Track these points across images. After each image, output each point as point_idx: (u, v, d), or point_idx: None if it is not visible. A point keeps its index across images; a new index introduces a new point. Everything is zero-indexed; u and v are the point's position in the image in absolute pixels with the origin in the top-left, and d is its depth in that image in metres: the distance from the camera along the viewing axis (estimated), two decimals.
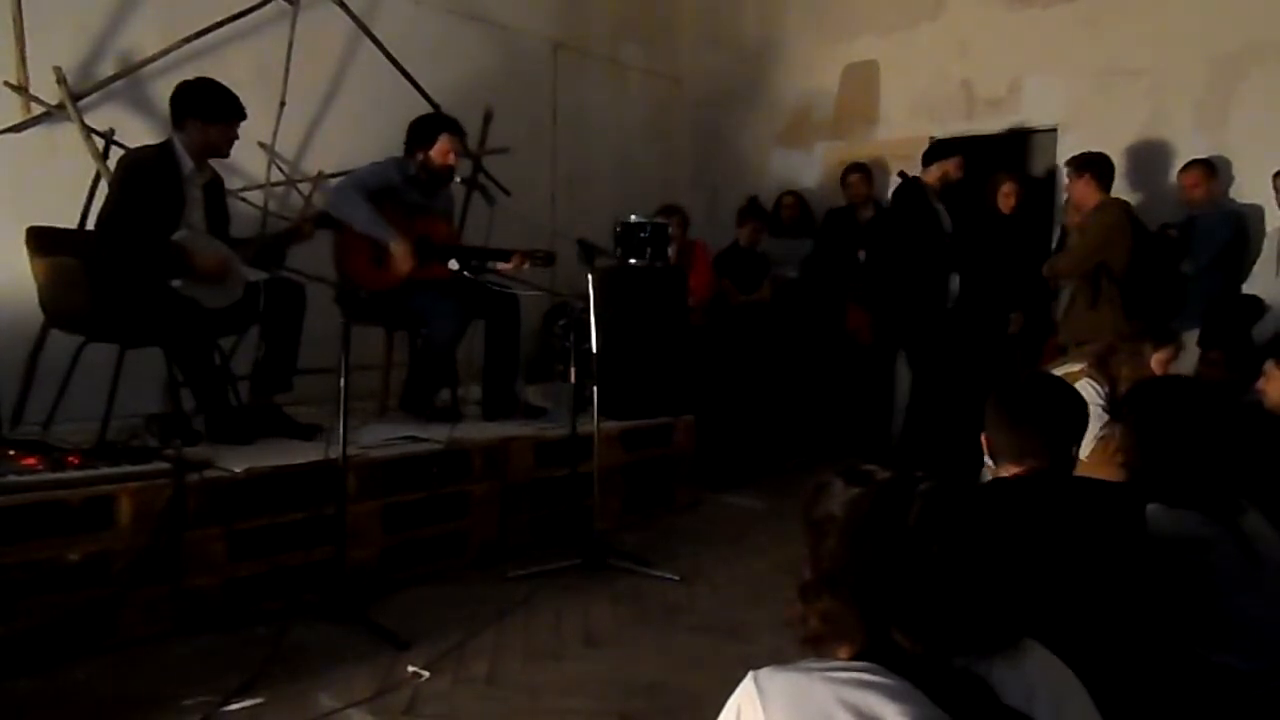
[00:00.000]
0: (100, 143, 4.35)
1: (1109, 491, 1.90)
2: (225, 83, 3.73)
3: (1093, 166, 4.93)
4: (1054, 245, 5.59)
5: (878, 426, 6.02)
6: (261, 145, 4.87)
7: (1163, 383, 2.61)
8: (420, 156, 4.34)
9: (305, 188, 5.18)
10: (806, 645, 1.23)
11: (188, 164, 3.68)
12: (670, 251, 4.91)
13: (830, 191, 6.63)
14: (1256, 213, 5.02)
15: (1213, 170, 5.02)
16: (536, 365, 5.83)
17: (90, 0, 4.46)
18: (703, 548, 4.13)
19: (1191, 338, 4.30)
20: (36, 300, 3.70)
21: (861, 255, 6.04)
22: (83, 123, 4.32)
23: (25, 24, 4.18)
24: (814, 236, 6.46)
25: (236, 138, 3.76)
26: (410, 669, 2.79)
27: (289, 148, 5.13)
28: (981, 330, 5.46)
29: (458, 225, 5.22)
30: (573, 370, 4.00)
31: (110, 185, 3.87)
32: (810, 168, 6.97)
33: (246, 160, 4.77)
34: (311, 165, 5.22)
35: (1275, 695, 1.78)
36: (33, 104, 4.26)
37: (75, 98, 4.31)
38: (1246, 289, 4.76)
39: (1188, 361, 4.06)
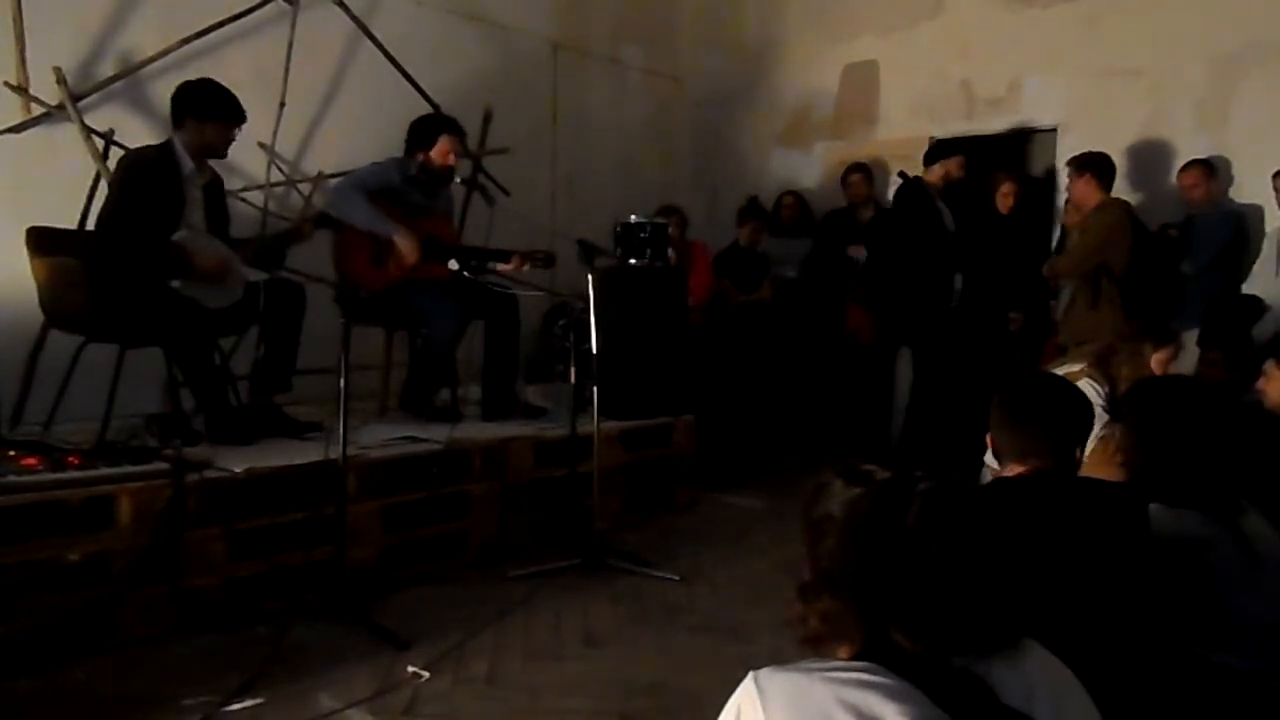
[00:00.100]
0: (100, 143, 4.35)
1: (1113, 492, 1.90)
2: (225, 83, 3.73)
3: (1093, 166, 4.93)
4: (1054, 245, 5.59)
5: (877, 426, 6.03)
6: (261, 145, 4.87)
7: (1163, 383, 2.61)
8: (420, 157, 4.34)
9: (305, 188, 5.19)
10: (806, 645, 1.23)
11: (188, 164, 3.68)
12: (670, 253, 4.91)
13: (830, 192, 6.63)
14: (1256, 213, 5.03)
15: (1212, 170, 5.02)
16: (536, 365, 5.83)
17: (90, 1, 4.46)
18: (703, 548, 4.13)
19: (1191, 338, 4.30)
20: (36, 300, 3.70)
21: (854, 253, 6.02)
22: (83, 123, 4.32)
23: (25, 24, 4.18)
24: (814, 236, 6.46)
25: (233, 139, 3.75)
26: (410, 669, 2.79)
27: (289, 148, 5.13)
28: (984, 329, 5.47)
29: (458, 225, 5.22)
30: (572, 370, 4.00)
31: (110, 185, 3.87)
32: (810, 168, 6.97)
33: (246, 160, 4.78)
34: (311, 165, 5.22)
35: (1275, 695, 1.78)
36: (33, 104, 4.26)
37: (75, 98, 4.31)
38: (1246, 289, 4.76)
39: (1187, 361, 4.06)
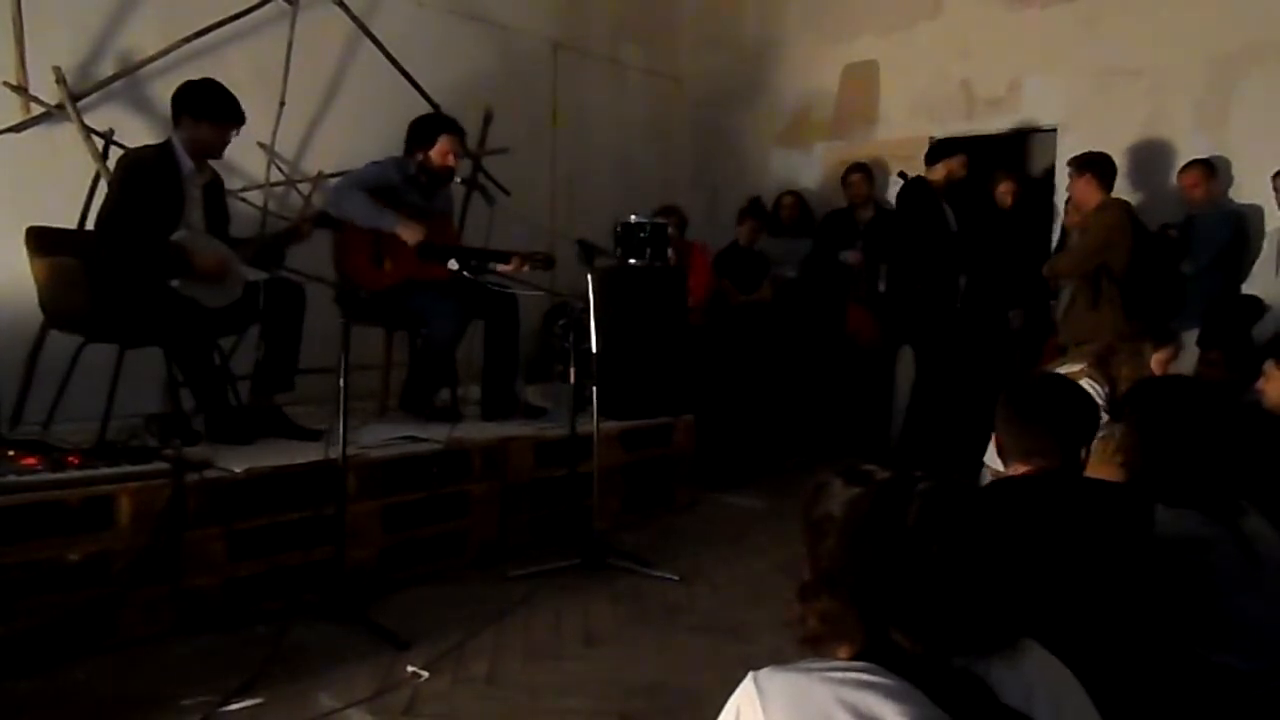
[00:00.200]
0: (100, 143, 4.35)
1: (1117, 492, 1.90)
2: (225, 83, 3.72)
3: (1094, 166, 4.93)
4: (1054, 244, 5.59)
5: (877, 426, 6.03)
6: (261, 145, 4.87)
7: (1163, 383, 2.61)
8: (420, 157, 4.34)
9: (305, 188, 5.19)
10: (806, 645, 1.23)
11: (187, 164, 3.68)
12: (669, 253, 4.91)
13: (830, 192, 6.63)
14: (1256, 213, 5.02)
15: (1212, 170, 5.02)
16: (536, 365, 5.84)
17: (90, 0, 4.46)
18: (702, 548, 4.13)
19: (1191, 338, 4.30)
20: (36, 300, 3.70)
21: (847, 258, 6.01)
22: (82, 123, 4.32)
23: (25, 24, 4.18)
24: (813, 236, 6.46)
25: (228, 141, 3.73)
26: (410, 669, 2.79)
27: (288, 148, 5.13)
28: (986, 329, 5.47)
29: (457, 225, 5.22)
30: (572, 370, 4.00)
31: (110, 185, 3.87)
32: (810, 168, 6.97)
33: (246, 160, 4.78)
34: (311, 165, 5.22)
35: (1275, 695, 1.78)
36: (32, 104, 4.26)
37: (75, 98, 4.31)
38: (1246, 289, 4.76)
39: (1187, 361, 4.06)
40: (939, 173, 5.39)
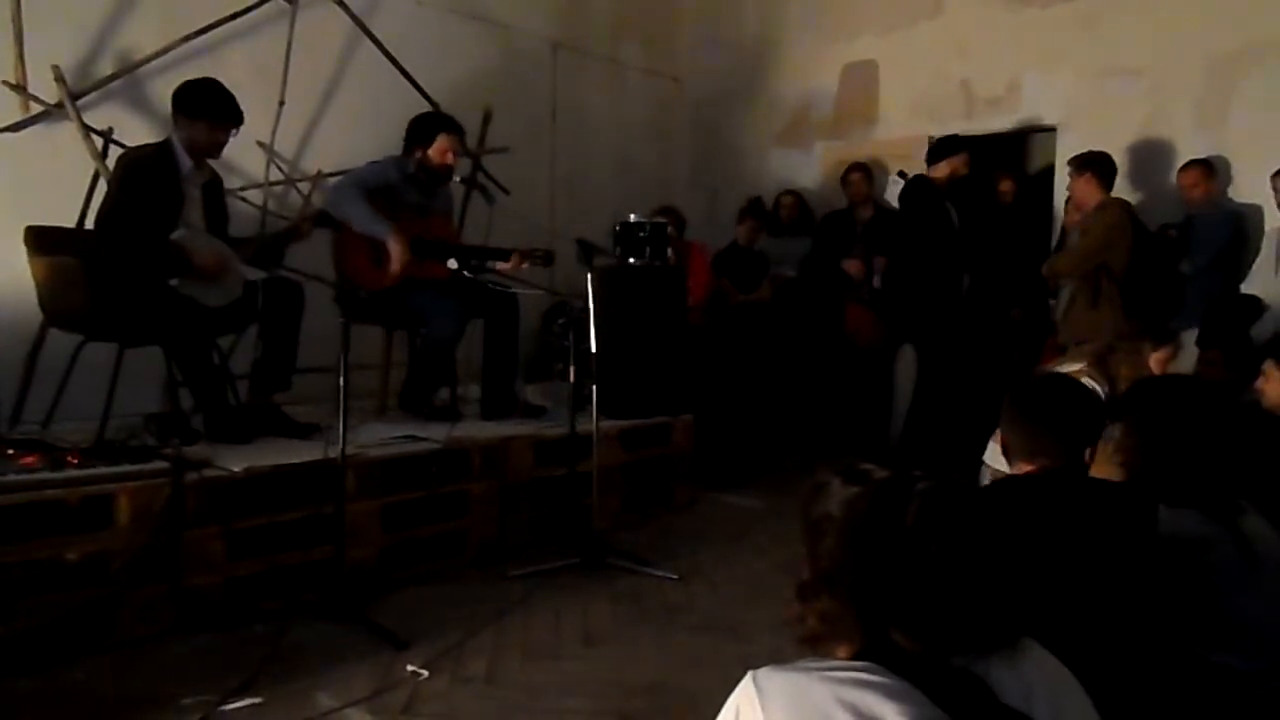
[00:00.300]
0: (99, 142, 4.35)
1: (1121, 492, 1.90)
2: (224, 82, 3.72)
3: (1094, 166, 4.93)
4: (1054, 243, 5.59)
5: (876, 426, 6.03)
6: (260, 144, 4.87)
7: (1161, 382, 2.61)
8: (418, 155, 4.34)
9: (304, 187, 5.18)
10: (805, 645, 1.23)
11: (186, 163, 3.67)
12: (669, 253, 4.91)
13: (830, 191, 6.63)
14: (1255, 212, 5.02)
15: (1211, 170, 5.02)
16: (535, 364, 5.83)
17: None
18: (702, 547, 4.13)
19: (1190, 337, 4.30)
20: (35, 299, 3.70)
21: (849, 268, 6.00)
22: (81, 122, 4.32)
23: (24, 23, 4.18)
24: (813, 236, 6.46)
25: (224, 141, 3.72)
26: (409, 668, 2.79)
27: (288, 147, 5.13)
28: (987, 328, 5.47)
29: (457, 224, 5.22)
30: (572, 369, 3.99)
31: (109, 184, 3.87)
32: (809, 167, 6.97)
33: (245, 159, 4.78)
34: (310, 164, 5.22)
35: (1275, 696, 1.78)
36: (31, 103, 4.26)
37: (74, 97, 4.31)
38: (1245, 289, 4.75)
39: (1186, 361, 4.06)
40: (942, 171, 5.38)
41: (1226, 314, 4.63)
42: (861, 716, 1.07)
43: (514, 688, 2.74)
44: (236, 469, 3.17)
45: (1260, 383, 3.10)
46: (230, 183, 4.39)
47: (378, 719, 2.53)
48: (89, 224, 3.97)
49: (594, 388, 3.81)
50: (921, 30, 6.37)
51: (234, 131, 3.74)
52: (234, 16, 4.77)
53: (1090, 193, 4.93)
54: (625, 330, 4.42)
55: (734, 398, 5.64)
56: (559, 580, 3.59)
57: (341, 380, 3.11)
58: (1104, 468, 2.07)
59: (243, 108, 3.73)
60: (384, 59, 5.37)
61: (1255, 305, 4.61)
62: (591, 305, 3.78)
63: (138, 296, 3.48)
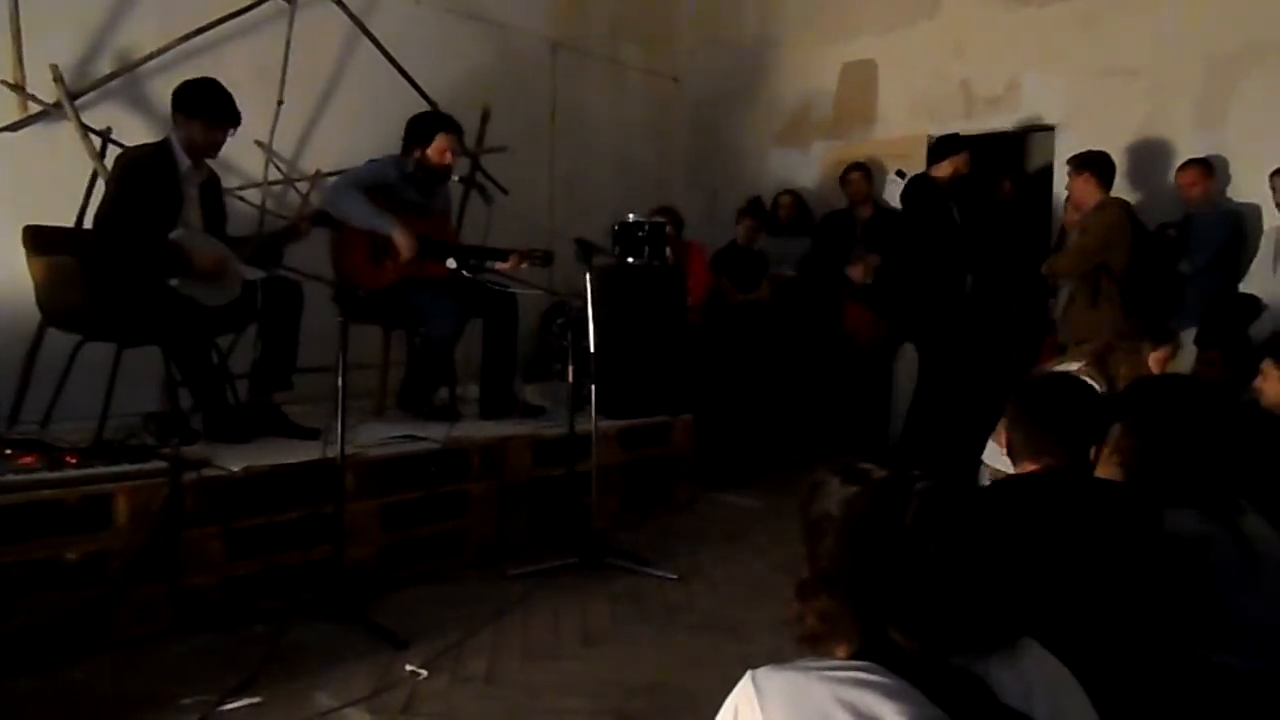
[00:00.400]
0: (97, 141, 4.35)
1: (1125, 492, 1.90)
2: (223, 81, 3.71)
3: (1092, 165, 4.92)
4: (1052, 242, 5.59)
5: (875, 425, 6.03)
6: (259, 144, 4.87)
7: (1159, 382, 2.61)
8: (417, 155, 4.34)
9: (303, 186, 5.18)
10: (804, 644, 1.23)
11: (184, 162, 3.67)
12: (667, 252, 4.91)
13: (828, 191, 6.63)
14: (1254, 212, 5.02)
15: (1210, 169, 5.02)
16: (534, 364, 5.83)
17: None
18: (701, 546, 4.13)
19: (1189, 337, 4.30)
20: (34, 299, 3.70)
21: (852, 275, 6.00)
22: (80, 121, 4.32)
23: (22, 22, 4.18)
24: (812, 235, 6.46)
25: (221, 141, 3.72)
26: (408, 668, 2.79)
27: (286, 146, 5.12)
28: (988, 327, 5.47)
29: (456, 224, 5.21)
30: (571, 369, 4.00)
31: (107, 184, 3.87)
32: (808, 167, 6.97)
33: (244, 159, 4.78)
34: (309, 164, 5.22)
35: (1275, 695, 1.78)
36: (30, 103, 4.25)
37: (72, 96, 4.31)
38: (1243, 288, 4.76)
39: (1185, 360, 4.06)
40: (945, 170, 5.38)
41: (1225, 313, 4.63)
42: (860, 716, 1.07)
43: (513, 687, 2.74)
44: (235, 469, 3.16)
45: (1259, 382, 3.10)
46: (229, 182, 4.39)
47: (377, 718, 2.52)
48: (87, 223, 3.98)
49: (593, 387, 3.81)
50: (920, 30, 6.37)
51: (232, 131, 3.74)
52: (232, 16, 4.77)
53: (1089, 192, 4.93)
54: (624, 330, 4.42)
55: (733, 397, 5.64)
56: (558, 580, 3.59)
57: (340, 380, 3.11)
58: (1104, 467, 2.07)
59: (241, 107, 3.73)
60: (382, 58, 5.37)
61: (1254, 304, 4.61)
62: (590, 305, 3.78)
63: (136, 296, 3.47)
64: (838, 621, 1.20)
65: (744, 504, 4.92)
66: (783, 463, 5.67)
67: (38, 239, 3.69)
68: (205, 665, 2.77)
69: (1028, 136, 6.50)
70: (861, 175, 6.23)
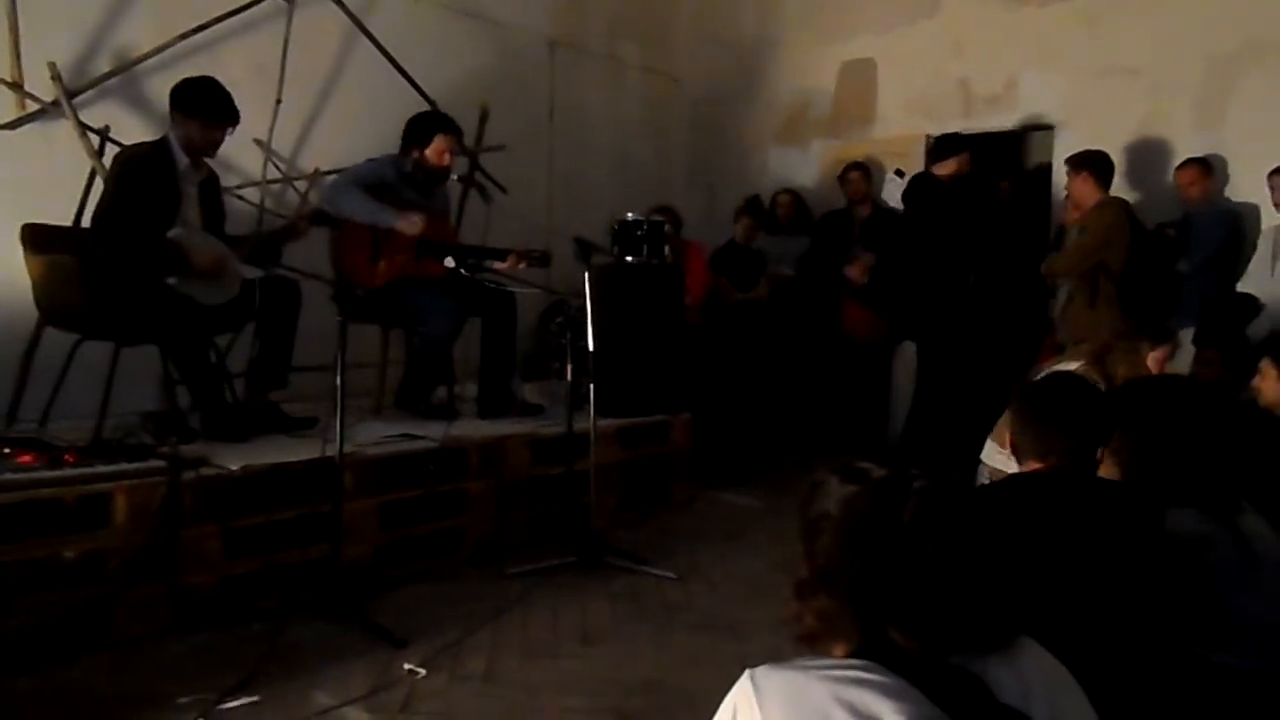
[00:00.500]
0: (95, 140, 4.34)
1: (1128, 491, 1.90)
2: (222, 80, 3.71)
3: (1091, 165, 4.92)
4: (1050, 240, 5.59)
5: (874, 424, 6.03)
6: (257, 142, 4.86)
7: (1151, 383, 2.61)
8: (416, 155, 4.34)
9: (301, 185, 5.18)
10: (803, 643, 1.23)
11: (183, 161, 3.67)
12: (666, 251, 4.91)
13: (827, 190, 6.63)
14: (1252, 211, 5.02)
15: (1209, 169, 5.02)
16: (533, 363, 5.83)
17: None
18: (700, 545, 4.13)
19: (1187, 336, 4.31)
20: (32, 297, 3.69)
21: (852, 276, 5.99)
22: (78, 120, 4.31)
23: (20, 20, 4.17)
24: (810, 234, 6.46)
25: (219, 140, 3.72)
26: (406, 667, 2.79)
27: (285, 145, 5.12)
28: (988, 326, 5.47)
29: (454, 223, 5.21)
30: (569, 368, 4.00)
31: (105, 182, 3.87)
32: (807, 166, 6.97)
33: (242, 157, 4.77)
34: (307, 162, 5.21)
35: (1275, 695, 1.78)
36: (27, 101, 4.24)
37: (70, 94, 4.30)
38: (1241, 287, 4.75)
39: (1183, 360, 4.06)
40: (949, 168, 5.37)
41: (1223, 313, 4.63)
42: (859, 715, 1.07)
43: (512, 686, 2.74)
44: (234, 467, 3.16)
45: (1257, 381, 3.10)
46: (227, 181, 4.38)
47: (375, 717, 2.52)
48: (85, 222, 3.97)
49: (591, 386, 3.81)
50: (919, 29, 6.37)
51: (230, 130, 3.74)
52: (231, 14, 4.76)
53: (1088, 192, 4.93)
54: (623, 329, 4.42)
55: (732, 396, 5.64)
56: (557, 579, 3.59)
57: (339, 379, 3.11)
58: (1103, 468, 2.08)
59: (240, 106, 3.73)
60: (381, 57, 5.36)
61: (1252, 304, 4.61)
62: (589, 303, 3.78)
63: (134, 295, 3.47)
64: (836, 620, 1.20)
65: (742, 503, 4.92)
66: (781, 462, 5.67)
67: (36, 237, 3.69)
68: (203, 664, 2.77)
69: (1026, 136, 6.49)
70: (860, 174, 6.22)
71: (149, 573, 2.92)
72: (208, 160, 3.81)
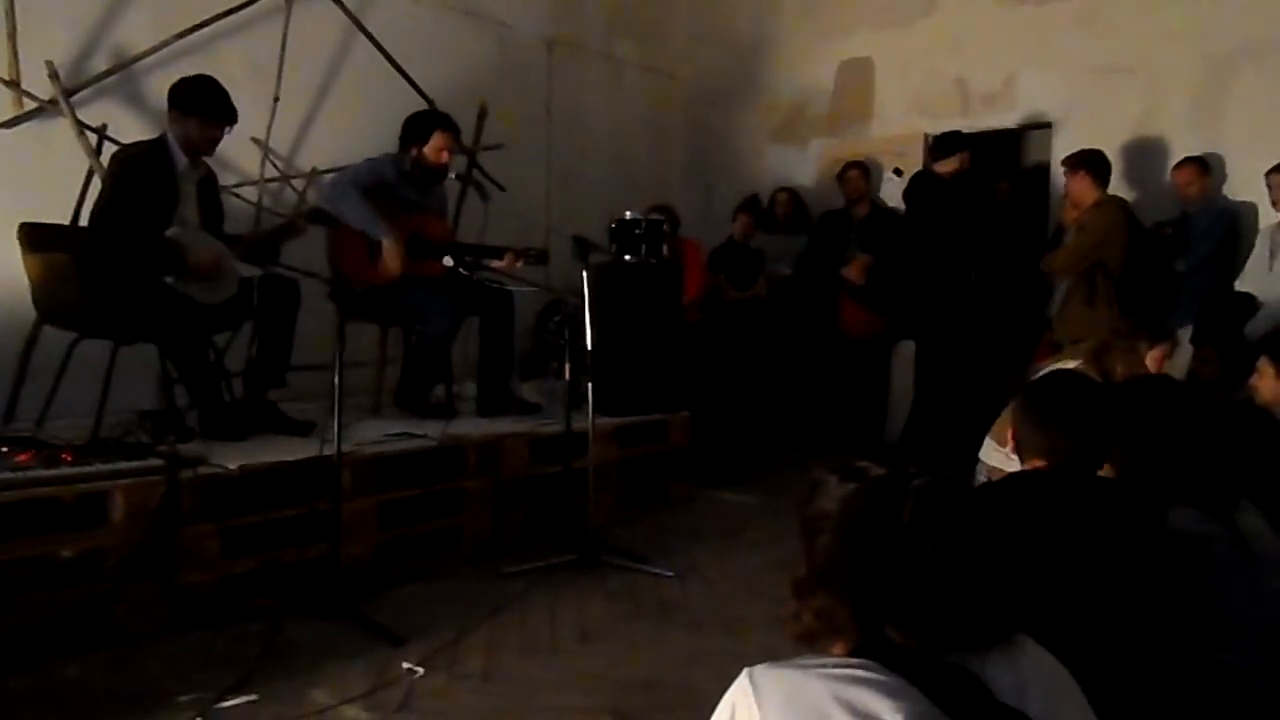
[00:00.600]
0: (93, 138, 4.33)
1: (1129, 490, 1.90)
2: (219, 78, 3.70)
3: (1087, 164, 4.92)
4: (1049, 238, 5.60)
5: (872, 423, 6.03)
6: (255, 141, 4.86)
7: (1142, 384, 2.61)
8: (414, 153, 4.33)
9: (299, 184, 5.17)
10: (801, 642, 1.24)
11: (181, 159, 3.66)
12: (664, 249, 4.91)
13: (826, 188, 6.63)
14: (1250, 210, 5.03)
15: (1206, 168, 5.03)
16: (531, 362, 5.83)
17: None
18: (697, 544, 4.13)
19: (1185, 335, 4.31)
20: (29, 296, 3.69)
21: (849, 278, 5.98)
22: (75, 118, 4.30)
23: (18, 19, 4.17)
24: (808, 233, 6.46)
25: (217, 138, 3.71)
26: (405, 665, 2.79)
27: (283, 143, 5.11)
28: (987, 325, 5.47)
29: (452, 221, 5.21)
30: (567, 366, 4.00)
31: (103, 181, 3.86)
32: (805, 164, 6.97)
33: (240, 156, 4.77)
34: (305, 161, 5.21)
35: (1274, 692, 1.79)
36: (25, 99, 4.24)
37: (68, 93, 4.29)
38: (1239, 286, 4.76)
39: (1181, 359, 4.06)
40: (950, 166, 5.37)
41: (1221, 311, 4.64)
42: (857, 713, 1.07)
43: (510, 684, 2.74)
44: (232, 466, 3.16)
45: (1254, 380, 3.11)
46: (225, 179, 4.38)
47: (373, 716, 2.52)
48: (83, 221, 3.96)
49: (589, 385, 3.81)
50: (917, 27, 6.37)
51: (228, 128, 3.73)
52: (229, 13, 4.76)
53: (1086, 191, 4.93)
54: (621, 327, 4.42)
55: (730, 394, 5.65)
56: (555, 577, 3.59)
57: (337, 377, 3.10)
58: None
59: (238, 104, 3.72)
60: (379, 56, 5.35)
61: (1249, 303, 4.62)
62: (587, 302, 3.78)
63: (132, 293, 3.47)
64: (834, 619, 1.20)
65: (740, 501, 4.93)
66: (779, 460, 5.68)
67: (33, 236, 3.68)
68: (201, 663, 2.77)
69: (1024, 134, 6.50)
70: (859, 173, 6.22)
71: (147, 571, 2.91)
72: (206, 159, 3.81)
